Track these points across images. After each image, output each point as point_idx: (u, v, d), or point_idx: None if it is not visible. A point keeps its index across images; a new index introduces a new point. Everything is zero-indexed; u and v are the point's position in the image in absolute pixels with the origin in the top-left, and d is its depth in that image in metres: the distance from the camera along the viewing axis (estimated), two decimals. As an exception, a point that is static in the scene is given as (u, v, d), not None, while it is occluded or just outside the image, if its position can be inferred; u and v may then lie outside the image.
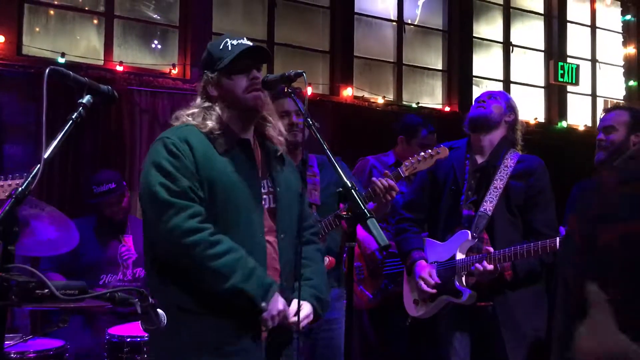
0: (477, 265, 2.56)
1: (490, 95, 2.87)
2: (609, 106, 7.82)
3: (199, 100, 2.00)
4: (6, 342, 2.72)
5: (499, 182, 2.70)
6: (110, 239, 3.51)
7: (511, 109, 2.87)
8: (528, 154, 2.84)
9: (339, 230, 2.73)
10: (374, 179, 2.57)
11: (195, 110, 1.97)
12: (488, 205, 2.67)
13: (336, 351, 2.74)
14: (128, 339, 2.85)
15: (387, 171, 2.65)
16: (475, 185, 2.76)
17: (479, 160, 2.81)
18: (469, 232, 2.67)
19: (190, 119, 1.95)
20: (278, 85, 1.99)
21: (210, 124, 1.91)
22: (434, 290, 2.70)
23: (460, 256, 2.68)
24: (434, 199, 2.86)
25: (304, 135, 2.49)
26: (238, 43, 1.97)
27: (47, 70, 1.50)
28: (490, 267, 2.53)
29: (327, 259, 2.68)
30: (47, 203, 3.11)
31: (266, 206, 1.98)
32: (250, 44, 1.99)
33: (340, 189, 1.66)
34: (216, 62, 1.95)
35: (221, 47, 1.97)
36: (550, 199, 2.77)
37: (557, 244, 2.42)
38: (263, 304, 1.80)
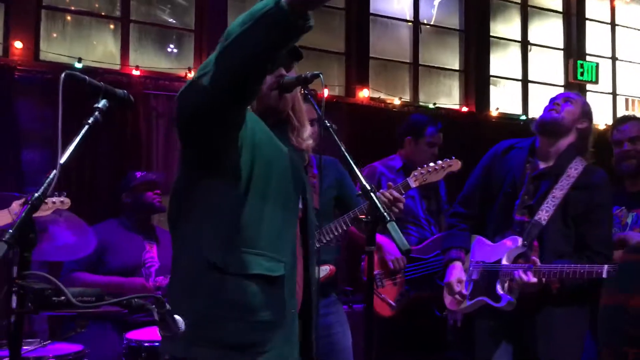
0: (521, 274, 2.49)
1: (566, 98, 2.74)
2: (626, 113, 7.74)
3: None
4: (25, 347, 2.72)
5: (558, 192, 2.60)
6: (137, 245, 3.50)
7: (586, 115, 2.74)
8: (594, 166, 2.72)
9: (339, 239, 2.70)
10: (382, 190, 2.52)
11: None
12: (543, 215, 2.58)
13: (342, 355, 2.72)
14: (146, 344, 2.84)
15: (390, 183, 2.59)
16: (533, 191, 2.67)
17: (542, 165, 2.70)
18: (519, 239, 2.60)
19: None
20: (294, 87, 1.95)
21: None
22: (458, 297, 2.67)
23: (506, 261, 2.61)
24: (488, 198, 2.78)
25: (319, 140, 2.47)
26: None
27: (62, 75, 1.50)
28: (533, 279, 2.47)
29: (327, 267, 2.65)
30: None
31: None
32: None
33: (359, 192, 1.63)
34: None
35: None
36: (608, 216, 2.69)
37: (605, 272, 2.35)
38: None
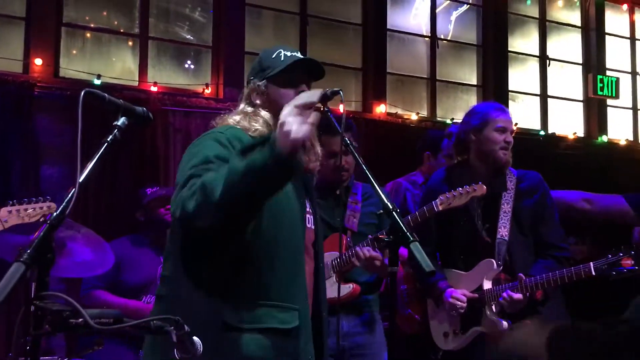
0: (510, 293, 2.53)
1: (512, 132, 2.80)
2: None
3: (242, 106, 1.89)
4: (42, 365, 2.72)
5: (506, 206, 2.68)
6: (152, 260, 3.50)
7: None
8: (523, 170, 2.80)
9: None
10: (357, 248, 2.54)
11: (239, 116, 1.85)
12: (503, 231, 2.66)
13: None
14: (163, 362, 2.81)
15: (372, 236, 2.60)
16: (482, 214, 2.72)
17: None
18: (494, 261, 2.64)
19: (234, 122, 1.83)
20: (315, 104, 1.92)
21: (259, 127, 1.80)
22: (465, 305, 2.64)
23: (487, 285, 2.65)
24: (443, 231, 2.79)
25: (349, 175, 2.62)
26: (292, 55, 1.88)
27: (82, 93, 1.48)
28: (519, 296, 2.52)
29: (351, 286, 2.63)
30: (83, 224, 3.13)
31: (309, 225, 1.90)
32: (302, 57, 1.90)
33: (381, 211, 1.59)
34: (265, 70, 1.87)
35: (273, 56, 1.88)
36: (552, 209, 2.76)
37: (592, 270, 2.42)
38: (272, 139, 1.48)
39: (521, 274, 2.54)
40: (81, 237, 2.92)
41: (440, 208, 2.59)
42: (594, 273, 2.41)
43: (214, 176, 1.54)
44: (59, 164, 4.53)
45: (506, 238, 2.64)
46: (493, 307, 2.61)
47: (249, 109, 1.86)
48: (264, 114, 1.84)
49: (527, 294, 2.52)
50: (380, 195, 1.60)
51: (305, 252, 1.86)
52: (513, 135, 2.76)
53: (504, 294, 2.54)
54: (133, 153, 4.71)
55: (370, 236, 2.60)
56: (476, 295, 2.64)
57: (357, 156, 1.72)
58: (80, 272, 3.12)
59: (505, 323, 2.58)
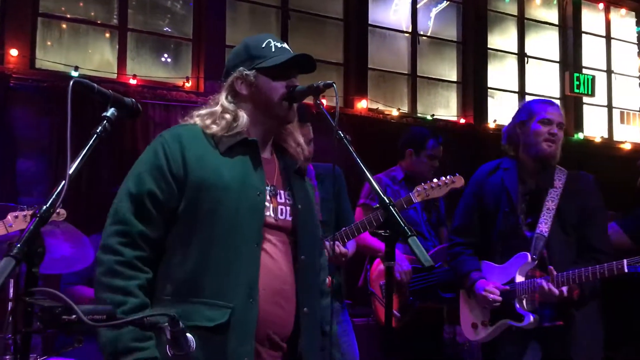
0: (543, 284, 2.50)
1: (561, 125, 2.76)
2: (621, 126, 7.79)
3: (222, 97, 1.82)
4: (20, 363, 2.65)
5: (551, 204, 2.66)
6: None
7: None
8: (576, 172, 2.80)
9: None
10: (327, 242, 2.50)
11: (207, 110, 1.80)
12: (543, 227, 2.63)
13: None
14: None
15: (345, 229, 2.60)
16: (526, 208, 2.71)
17: (530, 181, 2.75)
18: (528, 254, 2.62)
19: (197, 119, 1.79)
20: (305, 97, 1.90)
21: (215, 128, 1.75)
22: (500, 298, 2.63)
23: (520, 279, 2.63)
24: (485, 222, 2.78)
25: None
26: (282, 47, 1.84)
27: (71, 82, 1.44)
28: (555, 289, 2.49)
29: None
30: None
31: (282, 217, 1.81)
32: (292, 52, 1.87)
33: (377, 205, 1.58)
34: (255, 60, 1.80)
35: (263, 46, 1.82)
36: (604, 214, 2.77)
37: (625, 267, 2.39)
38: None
39: (551, 267, 2.52)
40: (60, 232, 2.86)
41: (418, 199, 2.65)
42: (626, 270, 2.38)
43: (121, 299, 1.63)
44: (35, 156, 4.43)
45: (545, 234, 2.61)
46: (524, 301, 2.60)
47: (230, 106, 1.80)
48: (241, 114, 1.78)
49: (564, 289, 2.49)
50: (376, 190, 1.59)
51: (273, 245, 1.77)
52: (561, 129, 2.72)
53: (539, 284, 2.52)
54: (112, 147, 4.63)
55: (356, 225, 2.59)
56: (507, 287, 2.63)
57: (352, 150, 1.70)
58: (59, 269, 3.05)
59: (529, 317, 2.57)
